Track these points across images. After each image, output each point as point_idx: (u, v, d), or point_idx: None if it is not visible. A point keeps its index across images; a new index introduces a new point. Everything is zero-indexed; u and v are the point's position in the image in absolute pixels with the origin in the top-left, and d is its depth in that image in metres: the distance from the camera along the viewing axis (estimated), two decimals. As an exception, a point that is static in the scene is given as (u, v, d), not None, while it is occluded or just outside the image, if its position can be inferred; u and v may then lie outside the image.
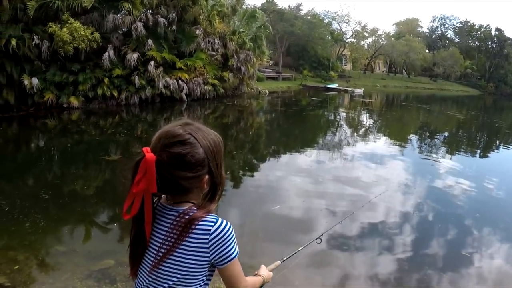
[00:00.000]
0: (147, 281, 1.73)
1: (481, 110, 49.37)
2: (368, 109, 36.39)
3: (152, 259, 1.71)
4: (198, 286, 1.72)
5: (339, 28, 71.38)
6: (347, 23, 77.16)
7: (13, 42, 17.50)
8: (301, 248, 2.95)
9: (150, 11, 22.97)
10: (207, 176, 1.69)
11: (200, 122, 1.76)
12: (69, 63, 19.97)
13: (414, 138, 22.72)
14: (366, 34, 76.64)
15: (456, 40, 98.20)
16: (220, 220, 1.69)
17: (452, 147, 20.08)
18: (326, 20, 65.41)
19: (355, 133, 21.59)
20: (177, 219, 1.67)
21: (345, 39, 70.99)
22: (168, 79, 22.64)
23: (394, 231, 8.46)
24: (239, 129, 20.50)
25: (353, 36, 74.45)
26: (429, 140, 22.78)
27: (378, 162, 14.48)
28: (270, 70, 46.02)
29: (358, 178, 11.97)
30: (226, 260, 1.69)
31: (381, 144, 18.68)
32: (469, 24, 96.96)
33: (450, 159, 16.39)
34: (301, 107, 32.72)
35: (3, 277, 5.43)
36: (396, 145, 18.95)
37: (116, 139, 14.59)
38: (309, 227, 8.12)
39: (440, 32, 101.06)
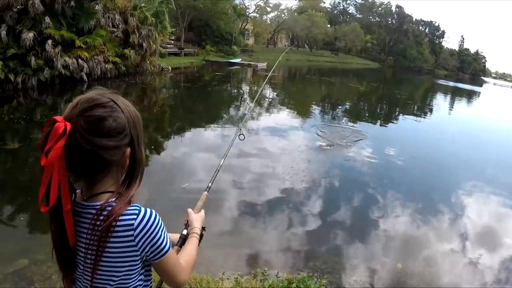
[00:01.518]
0: (87, 286, 1.56)
1: (382, 82, 52.54)
2: (272, 82, 37.24)
3: (81, 267, 1.55)
4: (138, 285, 1.60)
5: (242, 2, 71.79)
6: (249, -3, 77.64)
7: None
8: (221, 163, 2.92)
9: (47, -14, 21.81)
10: (128, 149, 1.53)
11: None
12: None
13: (316, 109, 24.00)
14: (268, 9, 77.75)
15: (358, 15, 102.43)
16: (143, 210, 1.51)
17: (353, 117, 21.54)
18: (229, -6, 65.49)
19: (259, 107, 22.26)
20: (95, 217, 1.47)
21: (248, 13, 71.46)
22: (67, 58, 21.79)
23: (299, 198, 9.52)
24: (142, 107, 20.41)
25: (256, 10, 75.17)
26: (331, 111, 24.23)
27: (282, 134, 15.35)
28: (172, 46, 45.50)
29: (263, 150, 12.73)
30: (159, 255, 1.57)
31: (284, 116, 19.65)
32: (370, 0, 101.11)
33: (352, 128, 17.72)
34: (205, 82, 32.96)
35: None
36: (299, 117, 19.99)
37: (14, 127, 13.94)
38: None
39: (342, 7, 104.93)
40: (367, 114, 24.50)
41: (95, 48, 23.86)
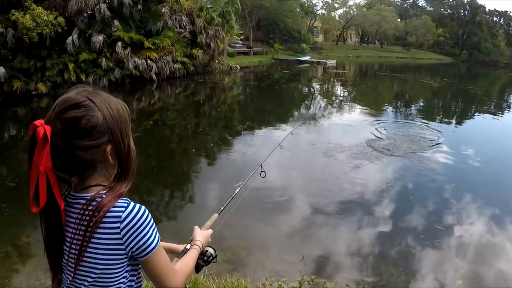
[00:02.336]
0: (68, 282, 1.53)
1: (456, 78, 49.89)
2: (342, 80, 36.46)
3: (66, 257, 1.52)
4: (121, 284, 1.52)
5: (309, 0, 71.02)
6: (317, -6, 76.75)
7: (-24, 32, 17.22)
8: (239, 188, 2.78)
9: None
10: (109, 146, 1.49)
11: (106, 92, 1.57)
12: (35, 49, 19.66)
13: (389, 107, 22.97)
14: (336, 5, 76.24)
15: (428, 8, 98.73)
16: (132, 204, 1.49)
17: (428, 116, 20.27)
18: (296, -8, 64.97)
19: (330, 105, 21.68)
20: (84, 207, 1.47)
21: (315, 10, 70.67)
22: (136, 59, 22.40)
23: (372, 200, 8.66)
24: (211, 105, 20.49)
25: (324, 7, 74.08)
26: (404, 109, 23.08)
27: (352, 132, 14.62)
28: (241, 45, 45.67)
29: (335, 152, 12.01)
30: (145, 252, 1.50)
31: (356, 115, 18.85)
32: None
33: (427, 127, 16.54)
34: (273, 81, 32.74)
35: None
36: (371, 115, 19.09)
37: None
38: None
39: (411, 0, 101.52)
40: (441, 112, 22.92)
41: (164, 49, 24.31)
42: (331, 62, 50.67)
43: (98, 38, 20.97)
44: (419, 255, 6.50)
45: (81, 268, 1.47)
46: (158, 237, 1.54)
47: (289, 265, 6.05)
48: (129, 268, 1.54)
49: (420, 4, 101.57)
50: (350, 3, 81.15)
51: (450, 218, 7.84)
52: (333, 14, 77.59)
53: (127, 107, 1.59)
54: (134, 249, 1.48)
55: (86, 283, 1.49)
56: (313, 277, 5.47)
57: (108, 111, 1.48)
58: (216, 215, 2.41)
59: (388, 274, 5.95)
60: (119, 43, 21.67)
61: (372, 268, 6.13)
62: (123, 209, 1.45)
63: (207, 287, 4.55)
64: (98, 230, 1.44)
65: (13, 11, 18.50)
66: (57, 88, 20.04)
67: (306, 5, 66.26)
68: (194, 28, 27.43)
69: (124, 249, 1.47)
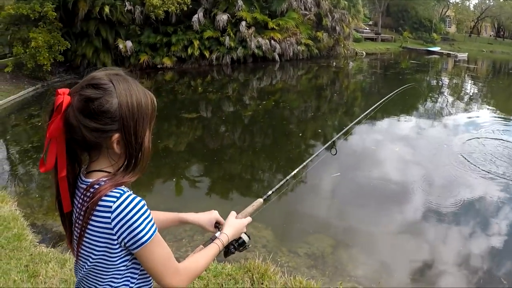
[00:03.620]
0: (77, 258, 1.51)
1: None
2: (473, 76, 33.95)
3: (73, 236, 1.52)
4: (120, 272, 1.45)
5: (442, -13, 67.39)
6: (451, -19, 72.75)
7: (106, 9, 18.36)
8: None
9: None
10: (117, 135, 1.40)
11: (137, 80, 1.49)
12: (162, 26, 20.42)
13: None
14: (472, -6, 71.93)
15: None
16: (126, 195, 1.38)
17: None
18: (428, -22, 61.89)
19: (457, 102, 19.94)
20: (84, 192, 1.42)
21: (448, -1, 67.02)
22: (260, 39, 22.33)
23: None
24: (333, 90, 19.78)
25: (458, -5, 70.15)
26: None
27: (480, 132, 12.92)
28: (369, 30, 44.41)
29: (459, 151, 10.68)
30: (137, 244, 1.39)
31: (485, 115, 16.89)
32: None
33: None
34: (400, 70, 31.11)
35: None
36: (502, 118, 16.99)
37: (207, 98, 14.64)
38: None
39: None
40: None
41: (288, 30, 23.96)
42: (462, 56, 47.40)
43: (222, 17, 21.27)
44: None
45: (82, 251, 1.45)
46: (154, 230, 1.43)
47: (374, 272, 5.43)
48: (128, 257, 1.46)
49: None
50: (487, -8, 75.76)
51: None
52: (467, 3, 73.17)
53: (155, 101, 1.52)
54: (126, 240, 1.39)
55: (87, 266, 1.46)
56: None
57: (126, 100, 1.41)
58: (260, 200, 2.11)
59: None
60: (243, 23, 21.73)
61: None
62: (114, 199, 1.37)
63: (274, 281, 4.15)
64: (93, 218, 1.39)
65: (140, -11, 19.21)
66: (181, 63, 20.84)
67: (439, -8, 62.92)
68: (320, 11, 26.74)
69: (117, 239, 1.39)
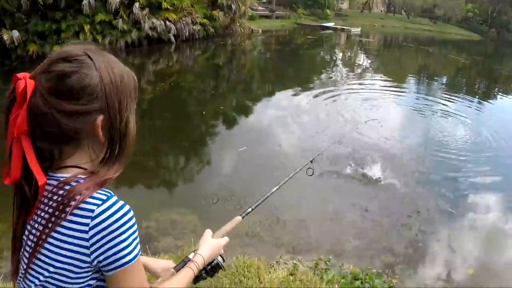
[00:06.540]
0: (22, 275, 1.21)
1: (483, 56, 47.72)
2: (366, 49, 35.50)
3: (23, 247, 1.21)
4: None
5: (334, -37, 69.26)
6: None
7: (-14, -4, 16.77)
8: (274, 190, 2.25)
9: None
10: (101, 117, 1.14)
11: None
12: (50, 12, 19.09)
13: (412, 80, 21.84)
14: (363, -30, 74.59)
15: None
16: (113, 199, 1.13)
17: (451, 90, 19.06)
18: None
19: (352, 73, 20.87)
20: (54, 190, 1.13)
21: (341, -25, 69.06)
22: (154, 20, 21.74)
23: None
24: (230, 68, 19.99)
25: (350, -29, 72.44)
26: (427, 82, 21.89)
27: (373, 104, 13.84)
28: (264, 8, 44.85)
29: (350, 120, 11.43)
30: (115, 264, 1.12)
31: (378, 85, 17.92)
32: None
33: (450, 102, 15.49)
34: (296, 46, 32.22)
35: None
36: (393, 86, 18.11)
37: None
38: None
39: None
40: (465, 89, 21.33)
41: (183, 10, 23.53)
42: (356, 30, 49.31)
43: (115, -1, 20.31)
44: None
45: (33, 266, 1.15)
46: (138, 250, 1.16)
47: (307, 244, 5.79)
48: (95, 277, 1.16)
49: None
50: (378, -31, 78.95)
51: None
52: (359, -21, 76.07)
53: (135, 78, 1.27)
54: (102, 257, 1.11)
55: (37, 281, 1.15)
56: (330, 257, 5.21)
57: (108, 73, 1.16)
58: (239, 218, 1.89)
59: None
60: (136, 4, 21.00)
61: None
62: (99, 202, 1.10)
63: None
64: (63, 222, 1.10)
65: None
66: (73, 50, 19.79)
67: (331, -31, 64.60)
68: (215, -12, 26.64)
69: (89, 254, 1.10)
